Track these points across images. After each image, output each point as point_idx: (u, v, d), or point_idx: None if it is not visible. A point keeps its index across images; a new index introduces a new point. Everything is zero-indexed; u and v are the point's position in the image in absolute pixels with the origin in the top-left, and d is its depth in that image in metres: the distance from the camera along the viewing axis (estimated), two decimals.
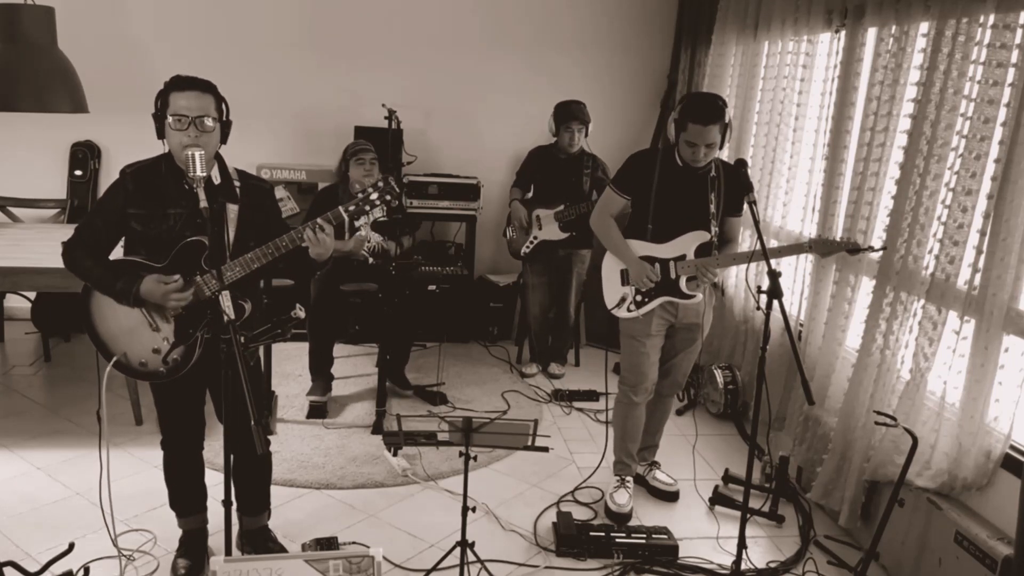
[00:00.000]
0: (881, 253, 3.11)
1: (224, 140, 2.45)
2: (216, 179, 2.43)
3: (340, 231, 4.17)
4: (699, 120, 2.91)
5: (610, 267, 3.24)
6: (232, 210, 2.45)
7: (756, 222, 2.64)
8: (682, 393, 4.38)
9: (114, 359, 2.48)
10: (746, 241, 3.81)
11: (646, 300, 3.16)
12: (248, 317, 2.43)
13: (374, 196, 2.45)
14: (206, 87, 2.38)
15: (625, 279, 3.19)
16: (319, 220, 2.42)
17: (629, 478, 3.39)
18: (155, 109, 2.38)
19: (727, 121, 2.96)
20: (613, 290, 3.23)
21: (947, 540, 2.65)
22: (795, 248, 3.09)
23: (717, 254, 3.09)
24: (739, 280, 4.36)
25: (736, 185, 2.99)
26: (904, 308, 3.00)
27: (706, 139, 2.92)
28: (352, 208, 2.44)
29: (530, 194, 4.79)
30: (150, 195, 2.41)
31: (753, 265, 4.03)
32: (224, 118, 2.43)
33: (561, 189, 4.62)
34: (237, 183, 2.51)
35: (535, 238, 4.70)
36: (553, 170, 4.66)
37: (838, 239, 3.05)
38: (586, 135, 4.60)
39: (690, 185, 3.07)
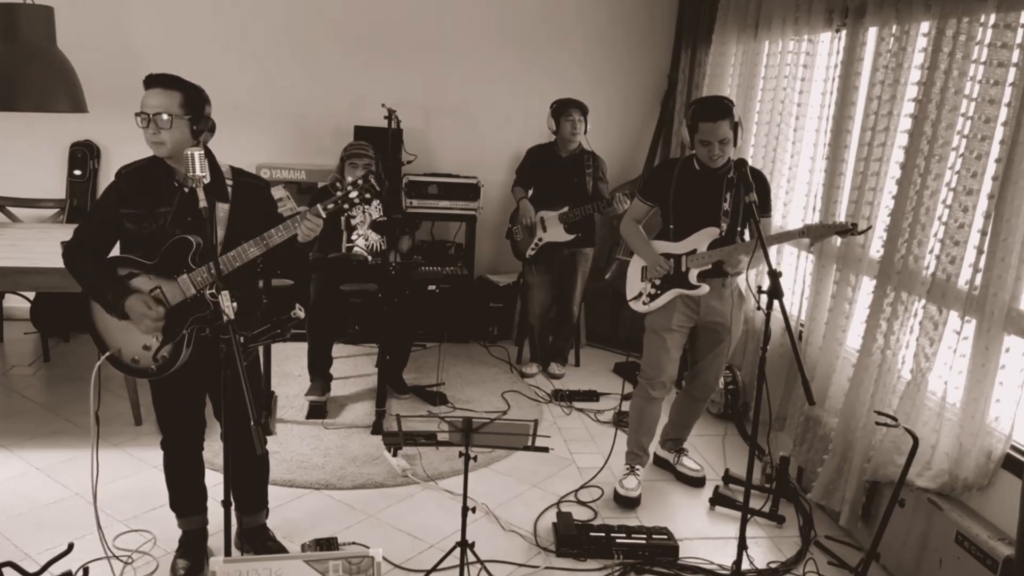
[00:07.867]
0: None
1: (195, 137, 2.38)
2: (207, 178, 2.41)
3: (338, 233, 4.16)
4: (709, 118, 3.04)
5: (634, 265, 3.44)
6: (222, 209, 2.44)
7: (756, 222, 2.73)
8: None
9: (107, 353, 2.50)
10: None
11: (659, 293, 3.29)
12: (245, 317, 2.42)
13: (353, 195, 2.42)
14: (171, 83, 2.34)
15: (645, 275, 3.35)
16: (308, 215, 2.39)
17: (639, 467, 3.48)
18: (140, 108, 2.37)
19: (736, 119, 3.08)
20: (633, 284, 3.42)
21: (948, 540, 2.65)
22: (789, 235, 3.15)
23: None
24: (740, 280, 4.34)
25: (762, 188, 3.15)
26: (905, 308, 2.99)
27: (718, 135, 3.04)
28: (331, 206, 2.41)
29: (530, 193, 4.76)
30: (143, 195, 2.42)
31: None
32: (199, 114, 2.37)
33: (563, 191, 4.56)
34: (229, 181, 2.50)
35: (540, 240, 4.66)
36: (554, 171, 4.61)
37: (829, 223, 3.09)
38: (585, 130, 4.57)
39: (707, 187, 3.21)
